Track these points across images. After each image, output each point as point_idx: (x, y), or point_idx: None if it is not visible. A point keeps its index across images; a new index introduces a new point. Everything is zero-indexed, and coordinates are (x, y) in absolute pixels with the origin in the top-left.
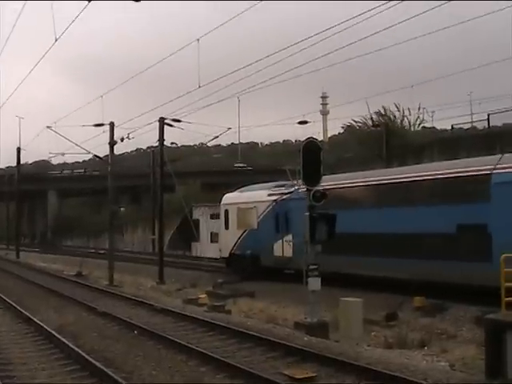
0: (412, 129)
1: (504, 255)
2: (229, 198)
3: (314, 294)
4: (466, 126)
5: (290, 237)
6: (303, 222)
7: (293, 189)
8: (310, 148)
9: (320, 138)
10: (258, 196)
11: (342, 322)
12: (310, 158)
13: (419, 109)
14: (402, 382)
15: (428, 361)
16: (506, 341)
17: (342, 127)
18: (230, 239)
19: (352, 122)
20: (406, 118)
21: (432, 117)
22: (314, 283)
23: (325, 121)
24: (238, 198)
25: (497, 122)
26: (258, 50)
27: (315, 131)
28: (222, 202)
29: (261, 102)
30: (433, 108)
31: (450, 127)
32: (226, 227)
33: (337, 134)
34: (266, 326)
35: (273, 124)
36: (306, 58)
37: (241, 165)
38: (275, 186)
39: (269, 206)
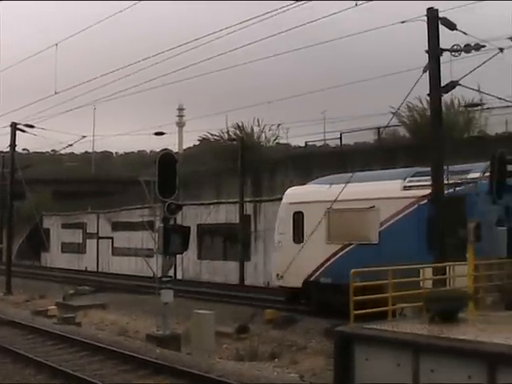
0: (267, 144)
1: (353, 270)
2: (301, 193)
3: (167, 306)
4: (319, 144)
5: None
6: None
7: (474, 174)
8: (166, 159)
9: (175, 149)
10: (380, 190)
11: (194, 334)
12: (165, 169)
13: (275, 125)
14: None
15: (279, 372)
16: (353, 352)
17: (199, 140)
18: (304, 259)
19: (208, 134)
20: (263, 134)
21: (287, 133)
22: (167, 295)
23: (180, 133)
24: (322, 194)
25: (349, 140)
26: (117, 59)
27: (171, 143)
28: (287, 201)
29: (117, 111)
30: (288, 125)
31: (303, 144)
32: (297, 239)
33: (192, 146)
34: (118, 339)
35: (128, 134)
36: (163, 70)
37: None
38: (414, 175)
39: (409, 206)
